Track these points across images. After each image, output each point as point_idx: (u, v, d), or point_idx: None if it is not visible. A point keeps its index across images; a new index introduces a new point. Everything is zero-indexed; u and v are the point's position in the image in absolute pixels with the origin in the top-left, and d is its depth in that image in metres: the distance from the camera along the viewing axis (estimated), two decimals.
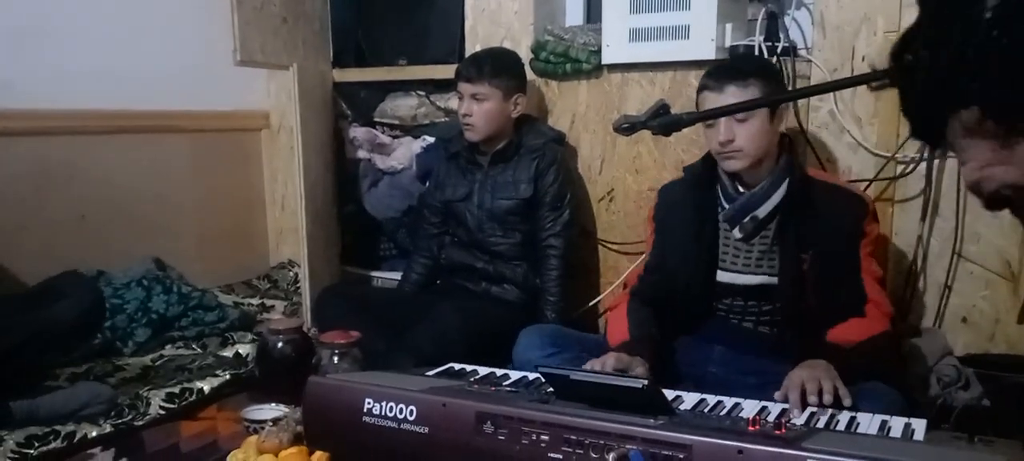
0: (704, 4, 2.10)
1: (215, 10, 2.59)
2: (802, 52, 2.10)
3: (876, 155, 1.99)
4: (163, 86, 2.74)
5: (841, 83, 1.87)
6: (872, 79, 1.80)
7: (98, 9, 2.58)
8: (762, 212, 1.66)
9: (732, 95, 1.61)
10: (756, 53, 2.05)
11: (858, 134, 2.00)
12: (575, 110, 2.44)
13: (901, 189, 2.00)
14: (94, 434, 1.74)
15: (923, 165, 1.94)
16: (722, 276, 1.73)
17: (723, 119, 1.60)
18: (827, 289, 1.60)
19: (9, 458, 1.62)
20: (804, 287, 1.62)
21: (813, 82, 2.03)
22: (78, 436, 1.72)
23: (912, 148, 1.94)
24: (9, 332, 1.72)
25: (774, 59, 2.05)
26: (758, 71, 1.68)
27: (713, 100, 1.64)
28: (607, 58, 2.30)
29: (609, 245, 2.41)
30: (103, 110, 2.58)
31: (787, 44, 2.06)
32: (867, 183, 2.00)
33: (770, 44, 2.06)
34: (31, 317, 1.77)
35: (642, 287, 1.85)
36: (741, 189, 1.70)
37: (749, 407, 1.35)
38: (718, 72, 1.68)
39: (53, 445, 1.68)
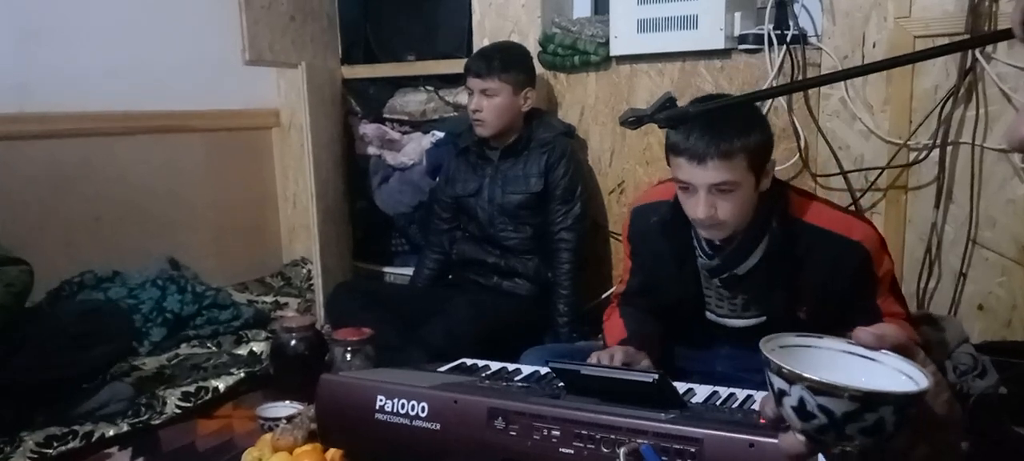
0: None
1: (224, 9, 2.60)
2: (812, 40, 2.08)
3: (888, 142, 1.97)
4: (174, 86, 2.76)
5: (854, 71, 1.85)
6: (893, 65, 1.71)
7: (109, 10, 2.60)
8: (742, 270, 1.50)
9: (715, 171, 1.37)
10: (765, 39, 2.04)
11: (870, 122, 1.98)
12: (584, 102, 2.43)
13: (914, 176, 1.98)
14: (112, 433, 1.76)
15: (936, 151, 1.92)
16: (711, 317, 1.61)
17: (702, 192, 1.40)
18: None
19: (29, 458, 1.64)
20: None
21: (824, 70, 2.02)
22: (96, 435, 1.74)
23: (925, 134, 1.92)
24: (52, 370, 1.78)
25: (783, 49, 2.03)
26: (746, 142, 1.39)
27: (690, 172, 1.40)
28: (615, 50, 2.30)
29: (620, 237, 2.41)
30: (116, 111, 2.60)
31: (796, 32, 2.05)
32: (879, 171, 1.98)
33: (779, 32, 2.04)
34: (72, 359, 1.81)
35: (632, 299, 1.75)
36: (717, 243, 1.50)
37: (761, 399, 1.34)
38: (699, 141, 1.38)
39: (72, 445, 1.70)
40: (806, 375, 0.53)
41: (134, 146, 2.68)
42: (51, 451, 1.67)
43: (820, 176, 2.07)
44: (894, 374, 0.57)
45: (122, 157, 2.64)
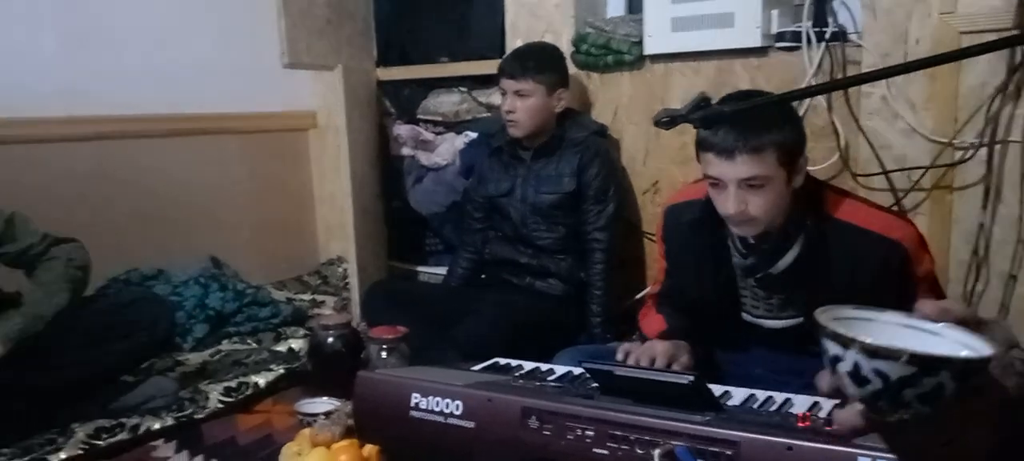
0: None
1: (263, 14, 2.65)
2: (852, 36, 2.05)
3: (932, 141, 1.92)
4: (215, 89, 2.82)
5: (894, 69, 1.81)
6: (939, 62, 1.65)
7: (153, 16, 2.67)
8: (777, 269, 1.48)
9: (744, 165, 1.36)
10: (804, 37, 2.01)
11: (912, 120, 1.94)
12: (618, 102, 2.42)
13: (960, 176, 1.93)
14: (157, 426, 1.81)
15: (983, 150, 1.87)
16: (747, 318, 1.59)
17: (733, 188, 1.39)
18: None
19: (80, 448, 1.69)
20: None
21: (864, 68, 1.98)
22: (143, 428, 1.79)
23: (971, 133, 1.88)
24: (94, 362, 1.84)
25: (822, 46, 2.00)
26: (775, 136, 1.37)
27: (719, 167, 1.39)
28: (649, 49, 2.28)
29: (654, 238, 2.39)
30: (160, 114, 2.67)
31: (836, 28, 2.01)
32: (923, 171, 1.94)
33: (818, 29, 2.01)
34: (113, 348, 1.87)
35: (667, 300, 1.73)
36: (751, 241, 1.49)
37: (800, 403, 1.32)
38: (727, 135, 1.38)
39: (120, 437, 1.76)
40: (860, 338, 0.51)
41: (177, 148, 2.74)
42: (100, 442, 1.72)
43: (861, 176, 2.03)
44: (956, 347, 0.54)
45: (166, 159, 2.71)
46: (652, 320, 1.70)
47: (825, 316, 0.56)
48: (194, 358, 2.23)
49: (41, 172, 2.36)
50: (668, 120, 1.43)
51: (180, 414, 1.87)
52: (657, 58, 2.31)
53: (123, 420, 1.80)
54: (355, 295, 2.66)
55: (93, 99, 2.50)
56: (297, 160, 3.19)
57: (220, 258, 2.78)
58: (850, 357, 0.52)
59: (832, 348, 0.53)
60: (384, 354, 1.95)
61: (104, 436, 1.75)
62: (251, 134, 2.99)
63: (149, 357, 2.04)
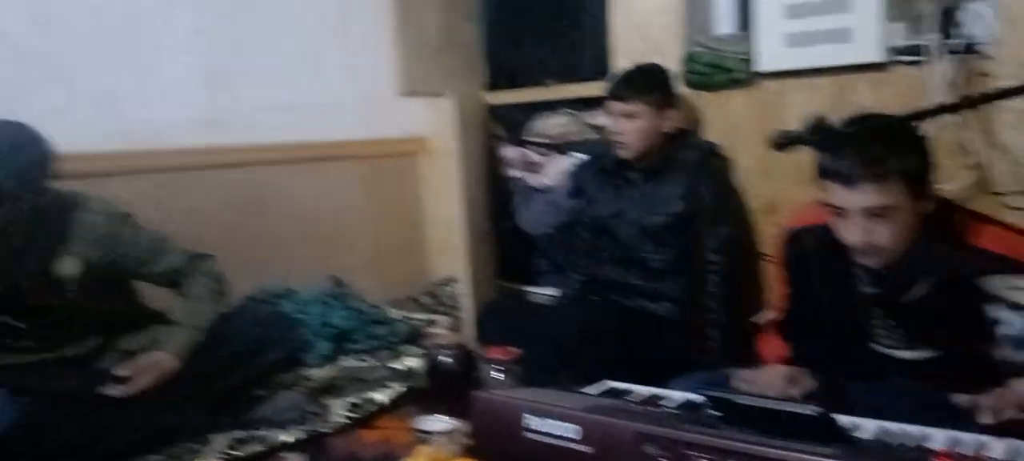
0: (866, 3, 2.00)
1: (377, 47, 2.80)
2: (983, 49, 1.93)
3: None
4: (336, 117, 2.98)
5: None
6: None
7: (283, 52, 2.84)
8: (908, 298, 1.42)
9: (867, 194, 1.31)
10: (928, 52, 1.92)
11: None
12: (730, 121, 2.39)
13: None
14: (287, 439, 1.93)
15: None
16: (878, 348, 1.52)
17: (856, 217, 1.33)
18: None
19: (219, 457, 1.83)
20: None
21: (998, 81, 1.87)
22: (274, 441, 1.91)
23: None
24: (233, 375, 2.01)
25: (949, 59, 1.90)
26: (900, 162, 1.32)
27: (841, 196, 1.35)
28: (762, 66, 2.24)
29: (772, 261, 2.33)
30: (287, 143, 2.84)
31: (964, 40, 1.91)
32: None
33: (945, 41, 1.91)
34: (249, 362, 2.03)
35: (787, 327, 1.68)
36: (879, 270, 1.43)
37: (938, 439, 1.25)
38: (848, 162, 1.33)
39: (254, 448, 1.88)
40: None
41: (303, 174, 2.91)
42: (238, 453, 1.85)
43: (1004, 195, 1.90)
44: None
45: (293, 184, 2.88)
46: (772, 346, 1.66)
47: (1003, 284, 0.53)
48: (318, 374, 2.35)
49: (184, 198, 2.55)
50: (784, 142, 1.41)
51: (308, 428, 1.98)
52: (770, 76, 2.27)
53: (255, 432, 1.93)
54: (467, 315, 2.73)
55: (231, 130, 2.70)
56: (409, 184, 3.31)
57: (341, 278, 2.92)
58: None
59: (1006, 314, 0.51)
60: (498, 374, 1.99)
61: (240, 447, 1.87)
62: (367, 160, 3.13)
63: (278, 372, 2.17)
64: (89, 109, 2.28)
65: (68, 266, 1.84)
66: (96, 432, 1.76)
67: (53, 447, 1.71)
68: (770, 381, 1.44)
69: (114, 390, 1.81)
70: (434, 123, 3.26)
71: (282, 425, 1.98)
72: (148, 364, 1.86)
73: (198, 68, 2.63)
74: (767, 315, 1.83)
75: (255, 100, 2.76)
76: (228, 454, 1.85)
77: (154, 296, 2.13)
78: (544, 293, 2.83)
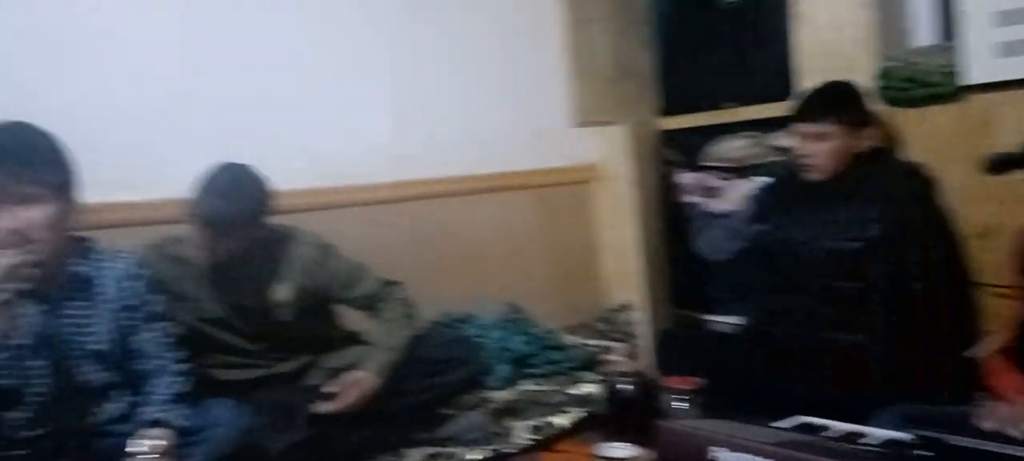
0: None
1: (549, 77, 2.87)
2: None
3: None
4: (510, 148, 3.10)
5: None
6: None
7: (464, 88, 3.00)
8: None
9: None
10: None
11: None
12: (934, 139, 2.21)
13: None
14: (474, 457, 2.01)
15: None
16: None
17: None
18: None
19: None
20: None
21: None
22: (462, 458, 2.00)
23: None
24: (425, 393, 2.12)
25: None
26: None
27: None
28: (970, 78, 2.06)
29: (989, 289, 2.11)
30: (466, 175, 2.99)
31: None
32: None
33: None
34: (437, 381, 2.14)
35: None
36: None
37: None
38: None
39: None
40: None
41: (477, 204, 3.03)
42: None
43: None
44: None
45: (471, 214, 3.01)
46: (1006, 377, 1.50)
47: None
48: (500, 396, 2.43)
49: (372, 230, 2.73)
50: (1000, 164, 1.29)
51: (492, 448, 2.05)
52: (979, 88, 2.08)
53: (443, 449, 2.03)
54: (644, 342, 2.71)
55: (414, 164, 2.88)
56: (582, 211, 3.35)
57: (518, 304, 3.01)
58: None
59: None
60: (679, 404, 1.96)
61: None
62: (540, 189, 3.21)
63: (463, 392, 2.27)
64: (289, 149, 2.51)
65: (282, 292, 2.05)
66: (306, 444, 1.93)
67: (267, 457, 1.89)
68: (1003, 418, 1.30)
69: (324, 407, 1.98)
70: (606, 151, 3.29)
71: (468, 444, 2.07)
72: (353, 382, 2.02)
73: (386, 106, 2.83)
74: (991, 344, 1.67)
75: (436, 135, 2.93)
76: None
77: (353, 319, 2.31)
78: (724, 321, 2.75)
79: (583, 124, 2.66)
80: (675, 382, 2.00)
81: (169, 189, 2.28)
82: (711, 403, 1.94)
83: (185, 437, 1.69)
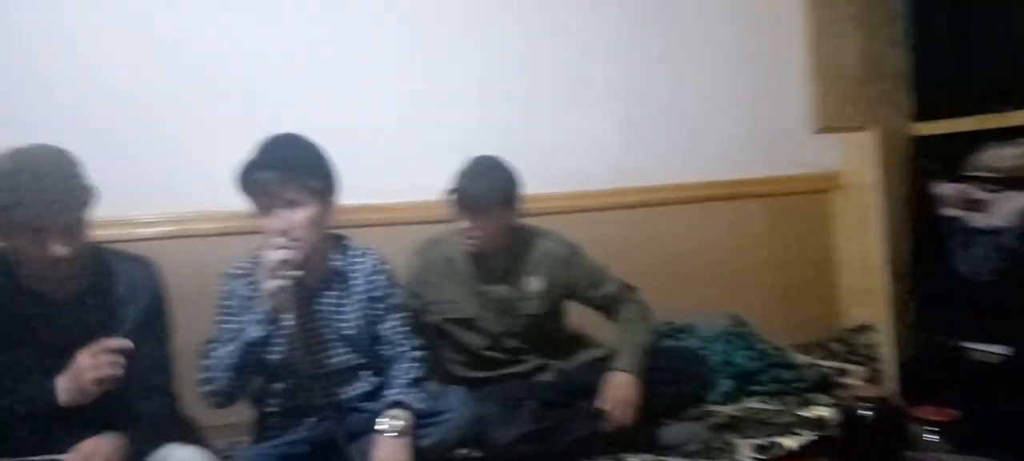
0: None
1: (791, 80, 2.73)
2: None
3: None
4: (742, 155, 3.00)
5: None
6: None
7: (689, 95, 2.96)
8: None
9: None
10: None
11: None
12: None
13: None
14: None
15: None
16: None
17: None
18: None
19: None
20: None
21: None
22: None
23: None
24: (654, 399, 2.09)
25: None
26: None
27: None
28: None
29: None
30: (693, 182, 2.94)
31: None
32: None
33: None
34: (664, 390, 2.11)
35: None
36: None
37: None
38: None
39: None
40: None
41: (706, 212, 2.97)
42: None
43: None
44: None
45: (695, 223, 2.96)
46: None
47: None
48: (723, 411, 2.36)
49: (594, 237, 2.75)
50: None
51: None
52: None
53: (663, 457, 2.01)
54: (888, 367, 2.48)
55: (637, 173, 2.89)
56: (818, 223, 3.15)
57: (742, 317, 2.90)
58: None
59: None
60: (931, 437, 1.78)
61: None
62: (772, 198, 3.07)
63: (687, 406, 2.23)
64: (522, 157, 2.64)
65: (534, 283, 2.17)
66: (532, 437, 1.98)
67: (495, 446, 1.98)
68: None
69: (605, 425, 2.00)
70: (850, 158, 3.05)
71: (686, 454, 2.02)
72: (617, 387, 2.02)
73: (612, 116, 2.87)
74: None
75: (661, 143, 2.92)
76: None
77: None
78: (984, 349, 2.43)
79: (825, 129, 2.49)
80: (925, 412, 1.82)
81: (413, 194, 2.56)
82: (967, 438, 1.74)
83: (422, 419, 1.86)
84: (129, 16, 2.33)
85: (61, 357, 1.57)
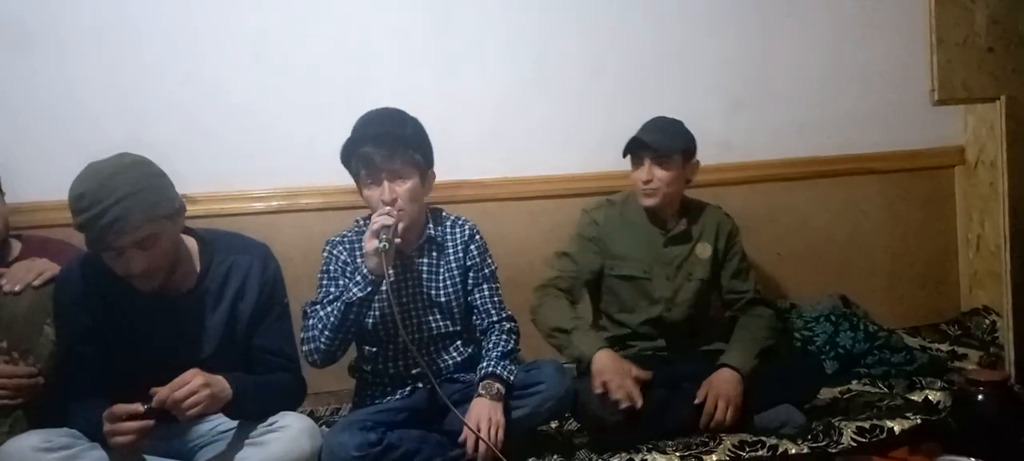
0: None
1: (910, 50, 2.58)
2: None
3: None
4: (856, 131, 2.89)
5: None
6: None
7: (802, 74, 2.86)
8: None
9: None
10: None
11: None
12: None
13: None
14: (793, 451, 1.93)
15: None
16: None
17: None
18: None
19: (728, 454, 1.93)
20: None
21: None
22: (780, 450, 1.93)
23: None
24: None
25: None
26: None
27: None
28: None
29: None
30: (801, 158, 2.84)
31: None
32: None
33: None
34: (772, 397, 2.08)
35: None
36: None
37: None
38: None
39: (760, 453, 1.93)
40: None
41: (815, 190, 2.87)
42: (743, 454, 1.93)
43: None
44: None
45: (804, 200, 2.87)
46: None
47: None
48: (825, 393, 2.28)
49: None
50: None
51: (815, 444, 1.94)
52: None
53: (763, 438, 1.97)
54: (1010, 353, 2.32)
55: (743, 149, 2.82)
56: (939, 200, 2.97)
57: (850, 298, 2.78)
58: None
59: None
60: None
61: (747, 449, 1.94)
62: (890, 173, 2.93)
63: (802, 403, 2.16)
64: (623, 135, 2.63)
65: (703, 249, 2.26)
66: (635, 414, 1.99)
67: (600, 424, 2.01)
68: None
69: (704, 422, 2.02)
70: (975, 132, 2.86)
71: (789, 437, 1.97)
72: (723, 382, 2.03)
73: (720, 96, 2.81)
74: None
75: (771, 119, 2.84)
76: (736, 454, 1.93)
77: None
78: None
79: (948, 101, 2.32)
80: None
81: (514, 170, 2.61)
82: None
83: (515, 391, 1.91)
84: (226, 12, 2.46)
85: (180, 353, 1.66)
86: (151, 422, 1.50)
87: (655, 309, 2.24)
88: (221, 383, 1.59)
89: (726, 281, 2.28)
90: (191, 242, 1.76)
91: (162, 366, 1.56)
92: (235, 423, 1.72)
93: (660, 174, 2.17)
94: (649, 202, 2.20)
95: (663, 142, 2.17)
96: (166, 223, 1.59)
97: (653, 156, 2.17)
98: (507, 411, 1.88)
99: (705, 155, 2.75)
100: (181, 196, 1.67)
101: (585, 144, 2.68)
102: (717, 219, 2.31)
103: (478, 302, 2.03)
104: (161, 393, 1.49)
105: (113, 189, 1.49)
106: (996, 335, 2.61)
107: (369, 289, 1.83)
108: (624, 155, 2.24)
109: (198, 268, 1.74)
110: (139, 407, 1.49)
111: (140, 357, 1.67)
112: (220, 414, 1.66)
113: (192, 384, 1.52)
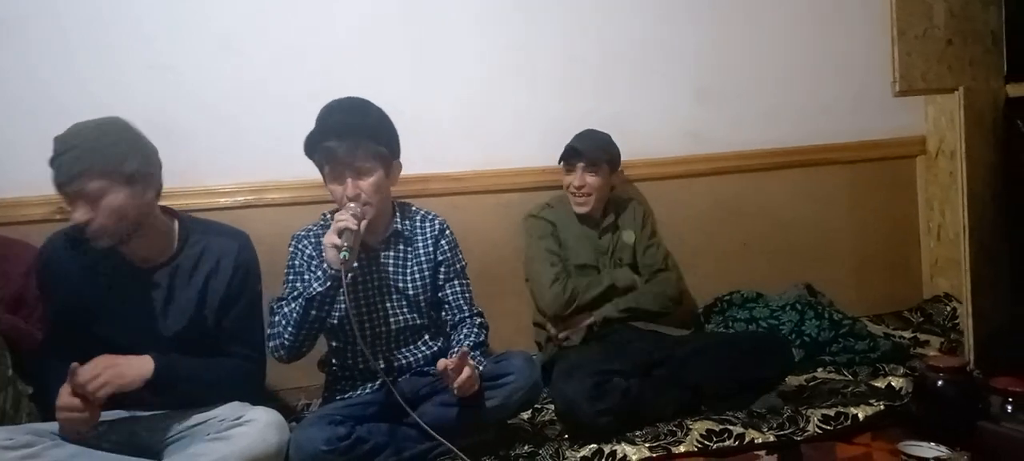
0: None
1: (871, 42, 2.63)
2: None
3: None
4: (820, 121, 2.92)
5: None
6: None
7: (767, 64, 2.89)
8: None
9: None
10: None
11: None
12: None
13: None
14: (759, 440, 1.95)
15: None
16: None
17: None
18: None
19: (696, 446, 1.95)
20: None
21: None
22: (747, 438, 1.96)
23: None
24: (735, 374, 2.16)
25: None
26: None
27: None
28: None
29: None
30: (767, 149, 2.88)
31: None
32: None
33: None
34: (749, 371, 2.16)
35: None
36: None
37: None
38: None
39: (727, 443, 1.95)
40: None
41: (782, 180, 2.91)
42: (711, 444, 1.95)
43: None
44: None
45: (770, 190, 2.90)
46: None
47: None
48: (791, 380, 2.32)
49: (664, 204, 2.78)
50: None
51: (781, 432, 1.97)
52: None
53: (729, 427, 1.99)
54: (969, 339, 2.39)
55: (712, 140, 2.84)
56: (902, 189, 3.04)
57: (816, 286, 2.83)
58: None
59: None
60: (1010, 408, 1.71)
61: (714, 438, 1.96)
62: (854, 163, 2.98)
63: (765, 389, 2.19)
64: (603, 125, 2.62)
65: (627, 236, 2.51)
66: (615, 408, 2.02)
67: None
68: None
69: None
70: (936, 122, 2.92)
71: (756, 425, 1.99)
72: None
73: (687, 85, 2.83)
74: None
75: (738, 110, 2.87)
76: (703, 444, 1.95)
77: None
78: None
79: (909, 92, 2.37)
80: (1005, 383, 1.75)
81: (486, 163, 2.60)
82: None
83: (485, 381, 1.88)
84: (192, 4, 2.41)
85: (151, 327, 1.73)
86: (84, 411, 1.56)
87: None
88: (137, 360, 1.63)
89: (640, 256, 2.52)
90: (172, 221, 1.83)
91: (134, 339, 1.66)
92: (203, 419, 1.71)
93: (590, 180, 2.42)
94: (581, 210, 2.47)
95: (594, 152, 2.41)
96: (119, 184, 1.64)
97: (586, 164, 2.41)
98: (479, 401, 1.88)
99: (674, 147, 2.81)
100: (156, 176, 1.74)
101: (557, 137, 2.67)
102: (634, 208, 2.58)
103: (449, 298, 2.03)
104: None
105: (76, 138, 1.60)
106: (956, 322, 2.68)
107: (329, 284, 1.80)
108: (559, 162, 2.47)
109: (176, 246, 1.80)
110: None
111: (113, 328, 1.72)
112: (194, 410, 1.71)
113: (96, 364, 1.58)
